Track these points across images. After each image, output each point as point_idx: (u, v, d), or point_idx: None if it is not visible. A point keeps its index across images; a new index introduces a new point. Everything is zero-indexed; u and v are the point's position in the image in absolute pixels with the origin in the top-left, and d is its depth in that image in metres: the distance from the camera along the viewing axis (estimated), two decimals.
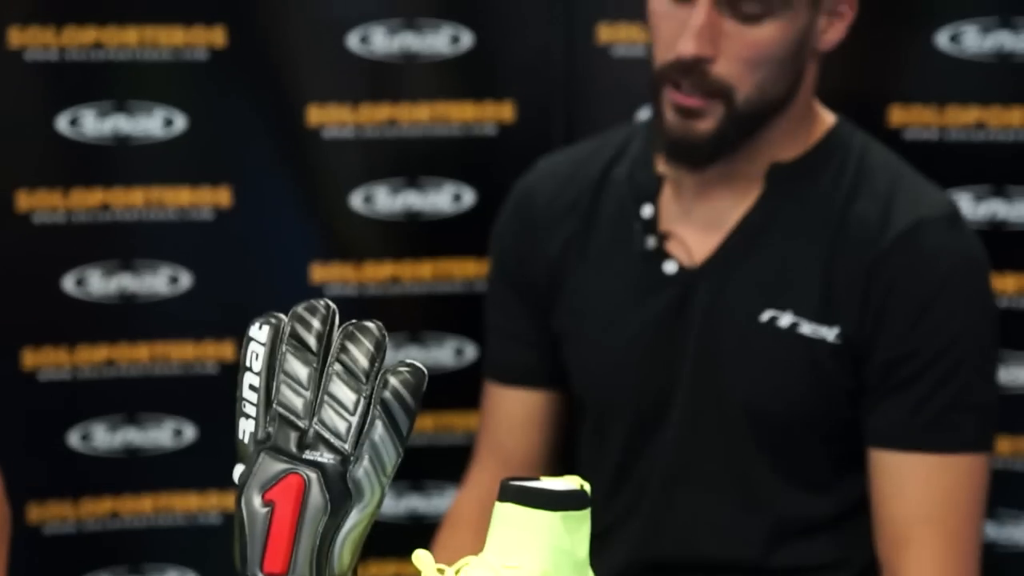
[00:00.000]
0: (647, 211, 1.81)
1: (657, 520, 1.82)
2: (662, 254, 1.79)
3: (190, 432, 2.62)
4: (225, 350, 2.60)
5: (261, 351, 1.06)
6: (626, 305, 1.81)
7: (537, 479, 1.09)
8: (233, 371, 2.51)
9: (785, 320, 1.74)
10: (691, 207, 1.79)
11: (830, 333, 1.73)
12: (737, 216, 1.77)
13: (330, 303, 1.07)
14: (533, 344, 1.91)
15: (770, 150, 1.76)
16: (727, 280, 1.77)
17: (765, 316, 1.75)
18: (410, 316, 2.59)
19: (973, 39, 2.23)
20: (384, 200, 2.57)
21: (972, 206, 2.15)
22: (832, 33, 1.74)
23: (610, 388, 1.84)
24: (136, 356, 2.58)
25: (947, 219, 1.75)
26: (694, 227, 1.79)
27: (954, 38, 2.23)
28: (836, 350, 1.72)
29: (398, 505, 2.64)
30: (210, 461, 2.58)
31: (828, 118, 1.81)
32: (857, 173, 1.76)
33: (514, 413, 1.94)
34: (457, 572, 1.08)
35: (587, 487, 1.09)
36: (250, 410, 1.06)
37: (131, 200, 2.55)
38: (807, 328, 1.73)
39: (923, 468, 1.71)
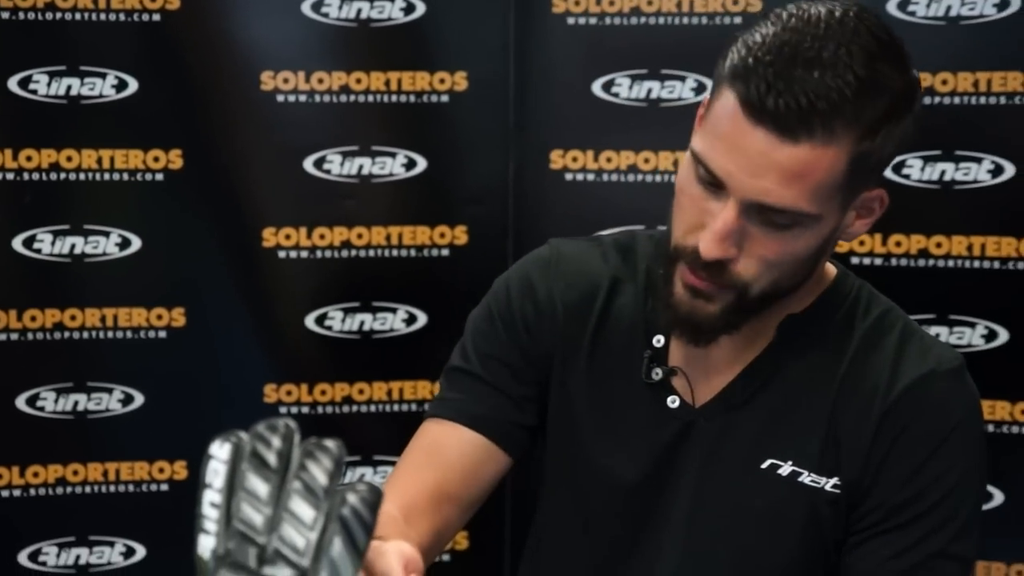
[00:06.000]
0: (658, 342, 1.79)
1: None
2: (667, 387, 1.78)
3: (140, 551, 2.61)
4: (177, 469, 2.60)
5: (222, 468, 1.07)
6: (626, 429, 1.79)
7: None
8: (184, 489, 2.55)
9: (785, 469, 1.73)
10: (701, 347, 1.78)
11: (829, 482, 1.72)
12: (744, 362, 1.76)
13: (290, 422, 1.08)
14: (520, 408, 1.86)
15: (781, 308, 1.76)
16: (728, 424, 1.75)
17: (765, 463, 1.73)
18: (363, 437, 2.61)
19: None
20: (338, 320, 2.60)
21: None
22: (858, 227, 1.68)
23: (600, 507, 1.82)
24: (88, 476, 2.58)
25: (955, 371, 1.74)
26: (702, 367, 1.77)
27: None
28: (834, 499, 1.71)
29: None
30: None
31: (830, 268, 1.81)
32: (864, 327, 1.75)
33: (468, 457, 1.86)
34: None
35: None
36: (210, 526, 1.07)
37: (86, 320, 2.56)
38: (807, 478, 1.72)
39: None
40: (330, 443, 1.07)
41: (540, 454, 1.87)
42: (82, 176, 2.54)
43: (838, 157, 1.57)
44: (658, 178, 2.55)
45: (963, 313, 2.44)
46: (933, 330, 2.41)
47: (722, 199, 1.61)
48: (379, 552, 1.29)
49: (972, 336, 2.44)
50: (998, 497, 2.43)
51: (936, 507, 1.70)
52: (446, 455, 1.83)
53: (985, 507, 2.33)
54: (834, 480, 1.71)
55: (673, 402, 1.77)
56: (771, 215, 1.60)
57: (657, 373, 1.77)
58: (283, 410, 2.59)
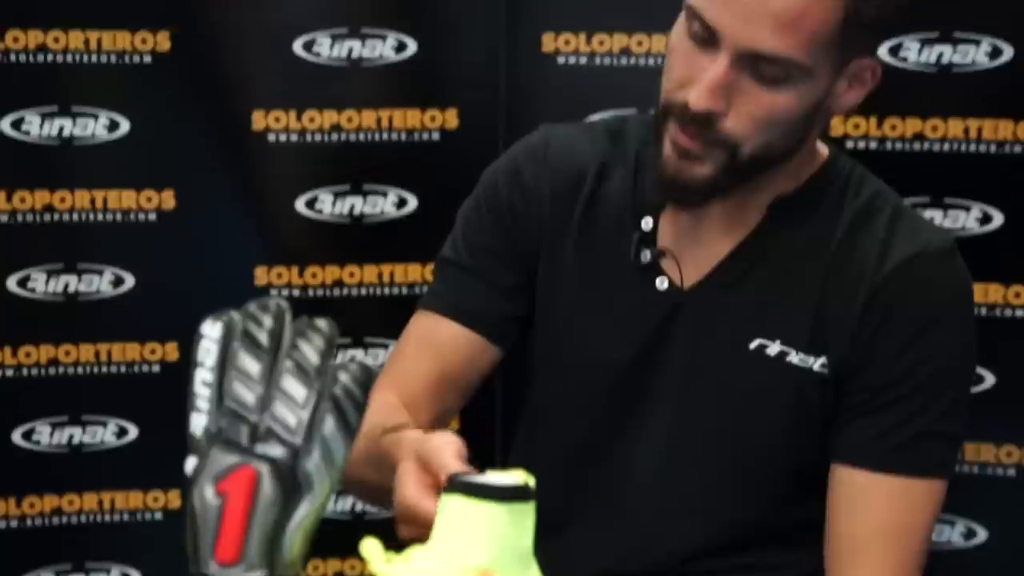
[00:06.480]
0: (647, 224, 1.79)
1: (607, 524, 1.83)
2: (656, 269, 1.78)
3: (133, 431, 2.63)
4: (168, 351, 2.61)
5: (213, 347, 1.08)
6: (615, 311, 1.80)
7: (483, 472, 1.12)
8: (175, 371, 2.56)
9: (773, 349, 1.74)
10: (690, 228, 1.77)
11: (817, 362, 1.73)
12: (734, 242, 1.77)
13: (282, 302, 1.09)
14: (510, 299, 1.87)
15: (772, 187, 1.76)
16: (717, 305, 1.76)
17: (753, 344, 1.74)
18: (353, 320, 2.62)
19: None
20: (328, 204, 2.60)
21: None
22: (850, 98, 1.70)
23: (590, 388, 1.83)
24: (80, 357, 2.59)
25: (945, 252, 1.74)
26: (691, 248, 1.77)
27: None
28: (822, 379, 1.73)
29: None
30: (152, 460, 2.60)
31: (823, 149, 1.81)
32: (855, 207, 1.76)
33: (461, 349, 1.88)
34: (405, 562, 1.11)
35: (532, 481, 1.12)
36: (202, 404, 1.08)
37: (76, 202, 2.56)
38: (795, 358, 1.73)
39: (886, 488, 1.72)
40: (322, 322, 1.08)
41: (531, 340, 1.88)
42: (69, 58, 2.52)
43: (832, 8, 1.58)
44: (651, 61, 2.54)
45: (958, 196, 2.41)
46: (928, 213, 2.39)
47: (713, 54, 1.62)
48: (434, 449, 1.32)
49: (967, 219, 2.42)
50: (989, 379, 2.45)
51: (922, 387, 1.72)
52: (439, 346, 1.85)
53: (976, 389, 2.34)
54: (822, 360, 1.72)
55: (662, 283, 1.78)
56: (763, 66, 1.61)
57: (646, 255, 1.78)
58: (274, 292, 2.59)
